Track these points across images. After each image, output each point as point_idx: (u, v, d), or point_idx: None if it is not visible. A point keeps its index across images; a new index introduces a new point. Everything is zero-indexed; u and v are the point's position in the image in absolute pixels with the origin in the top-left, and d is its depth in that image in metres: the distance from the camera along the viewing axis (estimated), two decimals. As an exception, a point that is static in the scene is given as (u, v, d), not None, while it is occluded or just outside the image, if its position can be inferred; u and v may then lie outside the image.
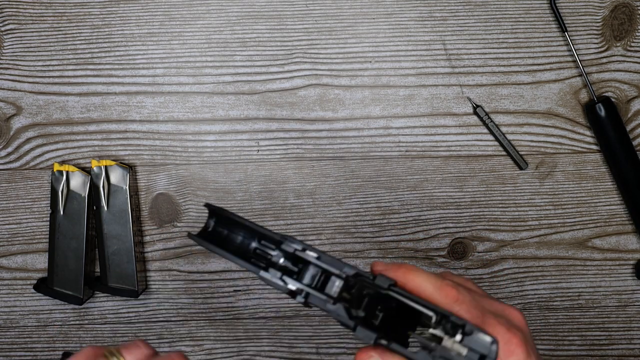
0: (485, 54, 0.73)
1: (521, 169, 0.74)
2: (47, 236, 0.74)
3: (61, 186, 0.72)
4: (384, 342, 0.41)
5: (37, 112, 0.73)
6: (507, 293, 0.76)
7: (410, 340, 0.43)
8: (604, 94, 0.74)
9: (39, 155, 0.74)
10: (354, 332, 0.41)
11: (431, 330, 0.41)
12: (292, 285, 0.44)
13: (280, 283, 0.44)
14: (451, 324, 0.40)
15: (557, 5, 0.72)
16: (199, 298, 0.76)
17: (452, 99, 0.74)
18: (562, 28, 0.72)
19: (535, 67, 0.73)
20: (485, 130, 0.74)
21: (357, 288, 0.43)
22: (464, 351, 0.40)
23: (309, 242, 0.75)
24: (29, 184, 0.74)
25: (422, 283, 0.43)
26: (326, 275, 0.44)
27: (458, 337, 0.40)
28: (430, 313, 0.41)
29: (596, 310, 0.77)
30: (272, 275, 0.44)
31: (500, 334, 0.42)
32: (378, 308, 0.43)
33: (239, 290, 0.76)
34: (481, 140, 0.74)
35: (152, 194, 0.74)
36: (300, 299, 0.43)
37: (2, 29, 0.72)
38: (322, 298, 0.43)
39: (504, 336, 0.42)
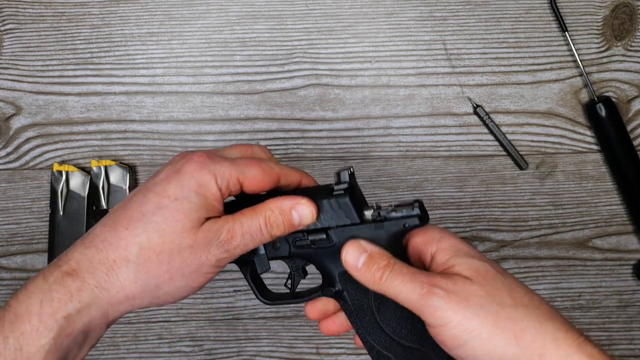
0: (486, 53, 0.73)
1: (521, 169, 0.74)
2: (47, 236, 0.74)
3: (61, 186, 0.72)
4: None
5: (37, 112, 0.73)
6: (508, 293, 0.76)
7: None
8: (604, 94, 0.73)
9: (39, 155, 0.74)
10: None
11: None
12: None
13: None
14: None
15: (558, 5, 0.72)
16: (199, 298, 0.75)
17: (452, 99, 0.74)
18: (563, 28, 0.72)
19: (535, 67, 0.73)
20: (486, 130, 0.74)
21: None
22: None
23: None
24: (28, 184, 0.74)
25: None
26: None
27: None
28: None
29: (597, 310, 0.77)
30: None
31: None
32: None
33: (239, 291, 0.76)
34: (481, 140, 0.74)
35: (152, 194, 0.74)
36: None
37: (2, 28, 0.72)
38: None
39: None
